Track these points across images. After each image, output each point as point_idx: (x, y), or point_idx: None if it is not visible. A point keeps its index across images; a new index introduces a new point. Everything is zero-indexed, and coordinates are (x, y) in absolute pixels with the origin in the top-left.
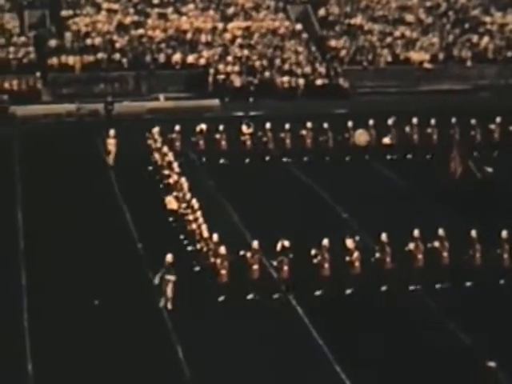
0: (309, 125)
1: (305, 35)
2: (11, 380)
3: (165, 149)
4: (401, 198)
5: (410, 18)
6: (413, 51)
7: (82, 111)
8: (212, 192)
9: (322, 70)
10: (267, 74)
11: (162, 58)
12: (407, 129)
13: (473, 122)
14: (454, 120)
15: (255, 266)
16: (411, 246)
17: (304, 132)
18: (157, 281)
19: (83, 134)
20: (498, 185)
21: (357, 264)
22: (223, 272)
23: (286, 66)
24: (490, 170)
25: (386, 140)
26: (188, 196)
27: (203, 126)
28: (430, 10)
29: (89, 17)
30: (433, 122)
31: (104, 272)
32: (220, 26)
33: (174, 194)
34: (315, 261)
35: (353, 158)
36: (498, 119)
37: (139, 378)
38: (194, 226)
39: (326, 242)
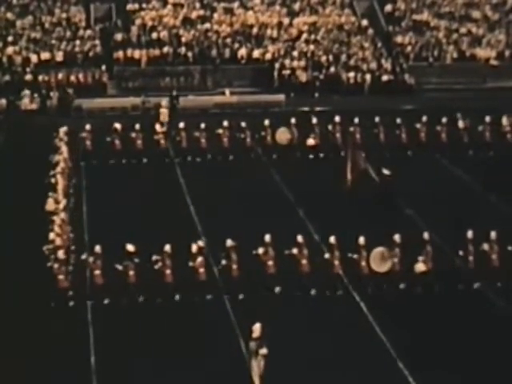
0: (225, 123)
1: (371, 31)
2: (75, 372)
3: (63, 148)
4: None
5: (476, 14)
6: (479, 48)
7: (147, 105)
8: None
9: (387, 65)
10: (333, 69)
11: (227, 52)
12: (330, 127)
13: None
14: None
15: (97, 271)
16: (294, 251)
17: (220, 131)
18: (249, 358)
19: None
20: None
21: (201, 270)
22: (61, 277)
23: (352, 62)
24: (387, 172)
25: (310, 141)
26: (60, 197)
27: (117, 125)
28: (497, 6)
29: (155, 11)
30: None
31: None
32: (286, 21)
33: (50, 194)
34: (156, 267)
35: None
36: None
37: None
38: (55, 228)
39: (167, 247)
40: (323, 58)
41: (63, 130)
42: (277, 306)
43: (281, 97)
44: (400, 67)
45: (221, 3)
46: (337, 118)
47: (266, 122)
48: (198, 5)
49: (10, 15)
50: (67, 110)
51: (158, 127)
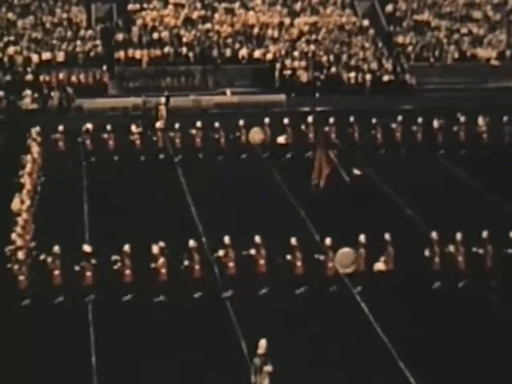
0: (198, 124)
1: (372, 31)
2: (75, 372)
3: (34, 148)
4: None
5: (477, 14)
6: (480, 48)
7: (148, 105)
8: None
9: (388, 66)
10: (334, 69)
11: (228, 52)
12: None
13: None
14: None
15: (56, 272)
16: (252, 251)
17: (193, 131)
18: (253, 374)
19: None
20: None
21: (163, 271)
22: (21, 278)
23: (353, 62)
24: (358, 172)
25: (281, 139)
26: (25, 197)
27: (89, 126)
28: (498, 6)
29: (156, 11)
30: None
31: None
32: (287, 21)
33: (17, 194)
34: (115, 267)
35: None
36: None
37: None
38: (17, 228)
39: (127, 247)
40: (324, 58)
41: (35, 130)
42: (276, 306)
43: (282, 97)
44: (401, 67)
45: (222, 3)
46: (309, 118)
47: (241, 122)
48: (199, 5)
49: (11, 15)
50: (66, 110)
51: (133, 128)
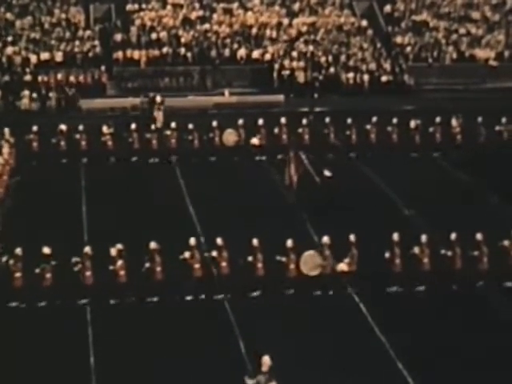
0: (173, 125)
1: (370, 31)
2: (74, 372)
3: (5, 149)
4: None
5: (475, 15)
6: (478, 48)
7: (146, 105)
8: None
9: (387, 66)
10: (332, 70)
11: (227, 52)
12: (276, 130)
13: None
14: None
15: (18, 274)
16: (213, 253)
17: (168, 132)
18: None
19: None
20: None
21: (122, 273)
22: None
23: (351, 63)
24: (328, 173)
25: (255, 141)
26: None
27: (63, 127)
28: (496, 7)
29: (154, 11)
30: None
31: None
32: (285, 21)
33: None
34: (76, 269)
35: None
36: None
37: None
38: None
39: (87, 249)
40: (323, 59)
41: (7, 130)
42: (277, 306)
43: (280, 97)
44: (399, 68)
45: (220, 4)
46: (283, 120)
47: (214, 123)
48: (197, 5)
49: (9, 15)
50: (72, 110)
51: (104, 129)
